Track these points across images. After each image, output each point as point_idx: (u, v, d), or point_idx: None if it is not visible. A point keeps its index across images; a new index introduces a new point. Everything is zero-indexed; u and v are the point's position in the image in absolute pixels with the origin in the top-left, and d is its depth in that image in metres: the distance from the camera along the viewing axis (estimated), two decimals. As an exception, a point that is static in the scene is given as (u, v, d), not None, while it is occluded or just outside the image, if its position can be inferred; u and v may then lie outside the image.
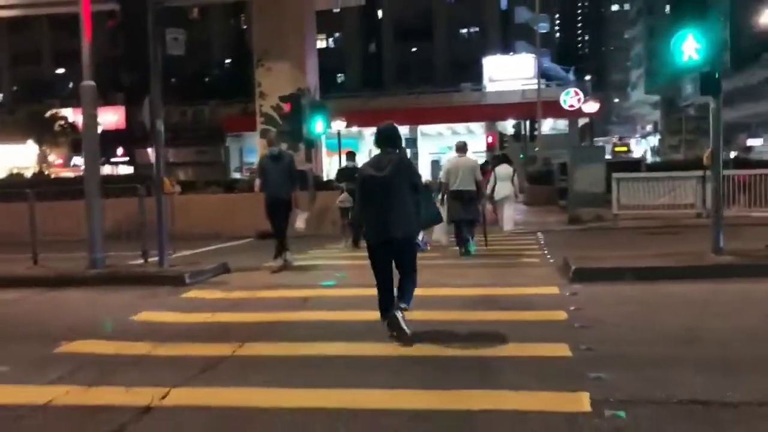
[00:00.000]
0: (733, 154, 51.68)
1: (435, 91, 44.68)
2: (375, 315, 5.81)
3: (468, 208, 10.45)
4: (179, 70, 53.24)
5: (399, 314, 5.47)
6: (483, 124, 41.78)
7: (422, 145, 44.70)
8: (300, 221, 11.82)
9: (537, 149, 30.75)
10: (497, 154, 21.63)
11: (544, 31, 57.79)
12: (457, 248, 10.81)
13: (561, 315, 6.20)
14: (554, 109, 33.28)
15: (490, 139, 34.17)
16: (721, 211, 8.17)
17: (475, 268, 9.40)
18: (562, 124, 42.94)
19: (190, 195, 18.43)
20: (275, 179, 9.80)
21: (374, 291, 5.79)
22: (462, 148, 10.90)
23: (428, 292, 6.99)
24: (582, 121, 47.06)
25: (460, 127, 44.55)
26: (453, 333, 5.75)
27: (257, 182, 10.22)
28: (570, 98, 35.23)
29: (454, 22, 56.52)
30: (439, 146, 48.53)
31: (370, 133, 47.71)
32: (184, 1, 27.21)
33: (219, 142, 46.13)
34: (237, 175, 37.79)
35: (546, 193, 24.86)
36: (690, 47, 7.58)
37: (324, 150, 22.03)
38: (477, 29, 57.49)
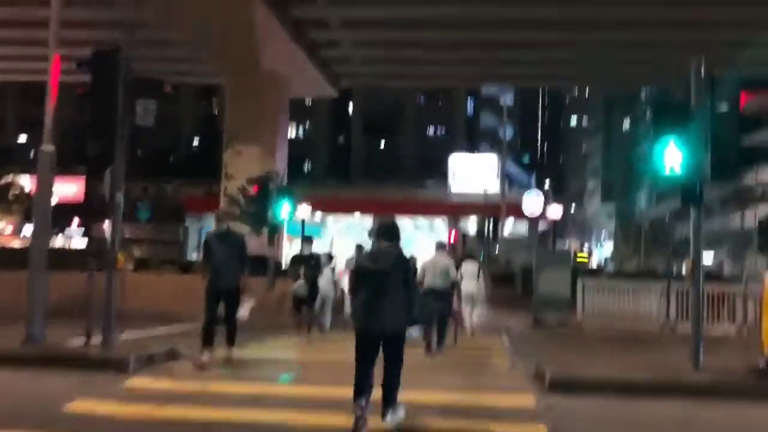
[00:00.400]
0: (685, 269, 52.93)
1: (400, 185, 45.09)
2: (336, 419, 5.26)
3: (441, 305, 10.47)
4: (146, 145, 53.15)
5: (387, 419, 5.49)
6: (446, 220, 41.95)
7: (384, 237, 44.51)
8: (244, 309, 9.85)
9: (497, 251, 30.83)
10: (463, 251, 21.50)
11: (508, 138, 59.76)
12: (427, 344, 10.55)
13: (540, 430, 5.72)
14: (515, 212, 33.72)
15: (452, 237, 34.20)
16: (702, 324, 7.92)
17: (446, 369, 8.88)
18: (522, 227, 43.44)
19: (143, 273, 17.63)
20: (223, 261, 8.74)
21: (333, 391, 5.79)
22: (441, 246, 11.43)
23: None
24: (542, 226, 47.93)
25: (423, 222, 44.71)
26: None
27: (200, 260, 9.26)
28: (531, 202, 35.63)
29: (422, 121, 58.00)
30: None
31: (333, 221, 47.87)
32: (158, 74, 27.22)
33: (178, 221, 45.34)
34: (195, 256, 36.89)
35: (508, 295, 24.64)
36: (672, 157, 7.52)
37: (285, 235, 21.52)
38: (444, 130, 59.05)
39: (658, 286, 15.38)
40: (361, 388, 5.48)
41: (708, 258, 57.09)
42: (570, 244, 75.16)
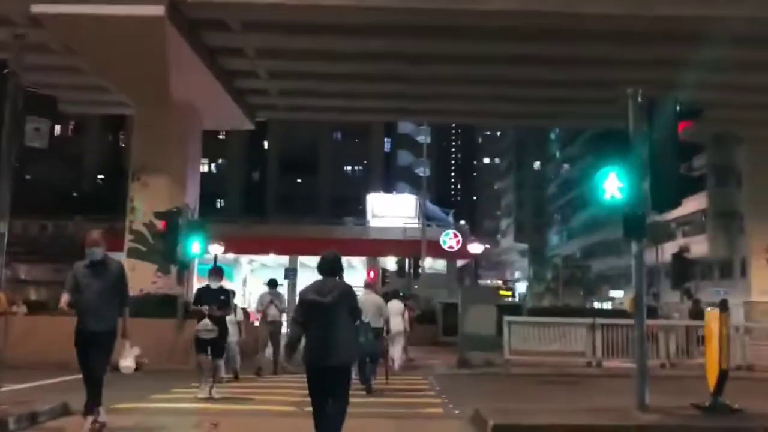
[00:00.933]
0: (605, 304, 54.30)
1: (318, 222, 44.21)
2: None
3: (373, 344, 10.13)
4: (45, 181, 50.11)
5: None
6: (364, 259, 41.26)
7: (302, 275, 43.52)
8: (127, 359, 7.39)
9: (416, 287, 30.38)
10: (388, 290, 20.84)
11: (425, 175, 60.24)
12: (364, 380, 10.51)
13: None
14: (434, 249, 33.46)
15: (371, 275, 33.53)
16: (646, 363, 7.50)
17: (380, 418, 8.07)
18: (441, 264, 43.34)
19: (38, 316, 15.97)
20: (93, 299, 6.88)
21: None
22: (369, 285, 11.71)
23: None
24: (460, 263, 48.06)
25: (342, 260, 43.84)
26: None
27: (64, 297, 7.03)
28: (449, 239, 35.78)
29: (339, 159, 57.59)
30: (319, 278, 47.40)
31: (247, 261, 46.24)
32: (62, 104, 25.43)
33: (81, 260, 42.59)
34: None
35: (430, 333, 24.13)
36: (612, 186, 7.17)
37: (195, 276, 20.26)
38: (361, 167, 58.85)
39: (584, 322, 15.17)
40: (319, 428, 5.62)
41: (619, 295, 58.93)
42: (492, 280, 76.22)
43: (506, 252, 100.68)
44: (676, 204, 7.22)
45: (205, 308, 9.80)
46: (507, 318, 15.31)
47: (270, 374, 13.43)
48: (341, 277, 6.01)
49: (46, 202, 45.39)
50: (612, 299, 58.09)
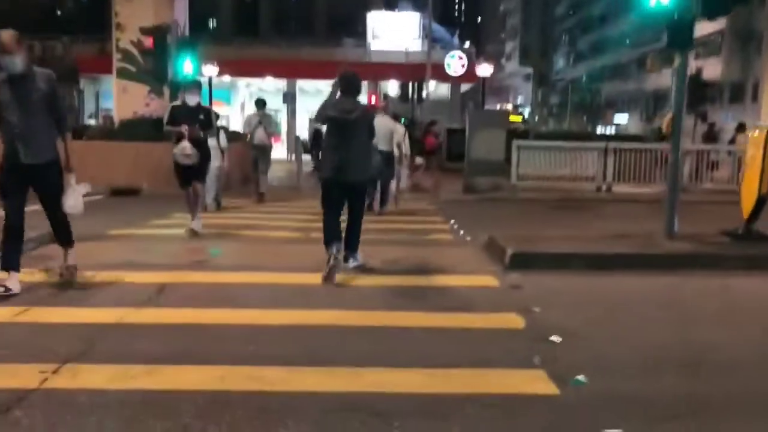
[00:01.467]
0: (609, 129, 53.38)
1: (315, 44, 42.24)
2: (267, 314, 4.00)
3: (385, 167, 10.33)
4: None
5: (350, 264, 5.95)
6: (365, 83, 39.99)
7: (300, 101, 42.38)
8: (71, 196, 5.60)
9: (419, 113, 29.50)
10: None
11: (428, -8, 56.68)
12: (370, 203, 10.26)
13: (516, 322, 4.64)
14: (438, 73, 32.08)
15: (372, 99, 32.48)
16: (678, 188, 6.94)
17: (390, 244, 7.67)
18: (444, 90, 42.04)
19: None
20: (19, 122, 5.15)
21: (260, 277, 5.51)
22: (384, 108, 11.30)
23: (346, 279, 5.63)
24: (464, 87, 46.65)
25: (341, 84, 42.46)
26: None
27: None
28: (455, 62, 34.17)
29: (337, -26, 53.97)
30: (318, 104, 46.20)
31: (245, 84, 44.81)
32: None
33: (72, 83, 41.16)
34: (92, 122, 33.77)
35: (436, 159, 23.64)
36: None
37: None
38: (360, -17, 55.32)
39: (596, 146, 14.56)
40: (332, 236, 5.75)
41: (623, 120, 58.03)
42: (501, 105, 74.49)
43: (510, 77, 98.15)
44: (728, 9, 6.27)
45: (184, 128, 8.22)
46: (516, 142, 14.69)
47: (257, 202, 12.80)
48: (359, 96, 6.08)
49: (30, 21, 43.15)
50: (617, 124, 57.28)
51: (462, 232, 8.70)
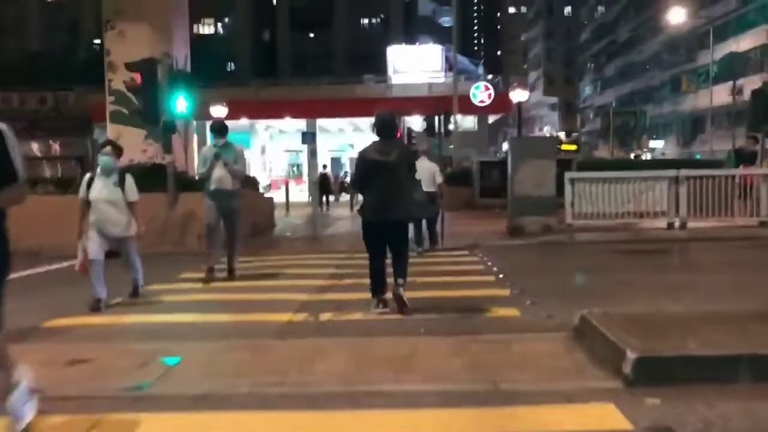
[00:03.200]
0: (645, 155, 50.69)
1: (335, 82, 40.69)
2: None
3: (430, 207, 9.81)
4: (40, 50, 46.69)
5: (399, 289, 5.90)
6: (387, 119, 38.10)
7: (321, 141, 40.67)
8: None
9: (452, 146, 27.43)
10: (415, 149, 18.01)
11: (449, 25, 55.26)
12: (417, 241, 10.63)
13: None
14: (464, 105, 30.02)
15: (398, 136, 30.52)
16: None
17: (440, 339, 4.92)
18: (469, 122, 40.02)
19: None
20: None
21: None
22: (425, 152, 11.83)
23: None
24: (492, 118, 44.65)
25: (362, 122, 40.74)
26: None
27: None
28: (480, 93, 32.32)
29: (354, 11, 52.88)
30: (339, 143, 44.56)
31: (264, 127, 43.25)
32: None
33: (86, 134, 40.00)
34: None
35: (465, 195, 21.48)
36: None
37: (194, 139, 17.42)
38: (379, 20, 54.10)
39: (665, 175, 12.25)
40: (379, 287, 5.98)
41: (658, 145, 55.36)
42: (550, 131, 71.72)
43: (535, 106, 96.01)
44: None
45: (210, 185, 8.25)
46: (570, 174, 12.44)
47: (223, 279, 8.64)
48: (396, 135, 6.42)
49: (43, 72, 42.34)
50: (652, 150, 54.61)
51: (529, 302, 6.41)
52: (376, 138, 6.03)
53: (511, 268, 8.73)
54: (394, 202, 5.81)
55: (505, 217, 16.06)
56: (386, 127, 6.06)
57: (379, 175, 5.82)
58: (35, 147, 38.64)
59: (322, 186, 24.38)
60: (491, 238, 12.59)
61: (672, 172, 12.27)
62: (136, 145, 15.22)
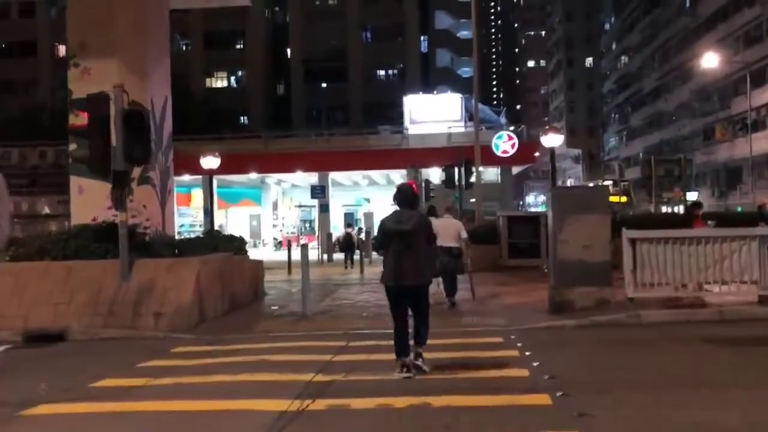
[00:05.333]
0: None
1: (349, 133, 38.57)
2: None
3: (454, 263, 10.76)
4: (38, 105, 45.38)
5: (418, 359, 6.27)
6: (404, 171, 35.61)
7: (335, 195, 38.38)
8: None
9: (473, 200, 24.88)
10: (431, 205, 15.52)
11: (468, 75, 53.37)
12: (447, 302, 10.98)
13: None
14: (485, 156, 27.59)
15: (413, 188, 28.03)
16: None
17: None
18: (491, 174, 37.46)
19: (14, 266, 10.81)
20: None
21: None
22: (449, 209, 12.11)
23: None
24: (516, 170, 42.11)
25: (377, 174, 38.43)
26: None
27: None
28: (503, 143, 30.00)
29: (370, 62, 51.22)
30: (354, 197, 42.19)
31: (275, 181, 40.94)
32: None
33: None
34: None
35: (491, 255, 18.73)
36: None
37: (173, 199, 14.89)
38: (395, 71, 52.34)
39: (755, 235, 9.49)
40: (403, 350, 6.26)
41: (692, 197, 52.20)
42: (573, 183, 68.55)
43: (558, 159, 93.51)
44: None
45: None
46: (629, 233, 9.74)
47: None
48: (416, 207, 6.82)
49: (45, 128, 40.87)
50: (685, 202, 51.43)
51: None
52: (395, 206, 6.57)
53: (569, 374, 6.01)
54: (408, 268, 6.22)
55: (541, 282, 13.31)
56: (404, 199, 6.55)
57: (397, 243, 6.29)
58: (38, 204, 36.86)
59: (347, 244, 23.79)
60: (529, 315, 9.83)
61: (761, 231, 9.52)
62: (101, 201, 12.71)
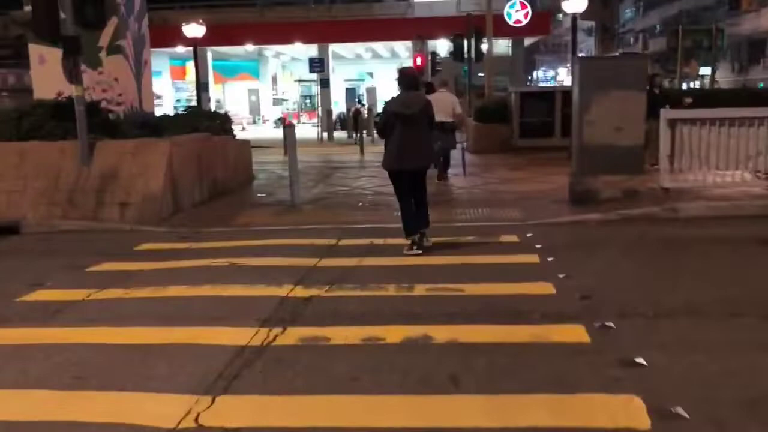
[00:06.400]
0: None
1: (351, 0, 35.88)
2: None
3: (445, 138, 10.88)
4: None
5: (422, 239, 6.41)
6: (409, 43, 33.34)
7: (337, 69, 36.26)
8: None
9: (481, 74, 23.11)
10: (428, 81, 13.95)
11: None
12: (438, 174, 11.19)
13: None
14: (496, 26, 25.43)
15: (418, 61, 26.11)
16: None
17: None
18: (502, 46, 35.15)
19: None
20: None
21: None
22: (444, 83, 11.79)
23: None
24: (528, 41, 39.72)
25: (381, 47, 36.19)
26: None
27: None
28: (515, 11, 27.94)
29: None
30: (357, 71, 40.08)
31: (273, 54, 38.63)
32: None
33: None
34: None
35: (501, 134, 17.39)
36: None
37: (148, 72, 13.26)
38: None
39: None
40: (411, 226, 6.41)
41: (708, 72, 49.76)
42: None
43: (568, 32, 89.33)
44: None
45: None
46: (668, 113, 8.34)
47: None
48: (419, 89, 6.95)
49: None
50: (701, 77, 49.04)
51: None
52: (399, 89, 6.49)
53: (605, 291, 4.87)
54: (411, 152, 6.29)
55: (557, 166, 12.08)
56: (408, 82, 6.48)
57: (400, 126, 6.29)
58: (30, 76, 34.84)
59: (355, 121, 23.37)
60: (547, 207, 8.62)
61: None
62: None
